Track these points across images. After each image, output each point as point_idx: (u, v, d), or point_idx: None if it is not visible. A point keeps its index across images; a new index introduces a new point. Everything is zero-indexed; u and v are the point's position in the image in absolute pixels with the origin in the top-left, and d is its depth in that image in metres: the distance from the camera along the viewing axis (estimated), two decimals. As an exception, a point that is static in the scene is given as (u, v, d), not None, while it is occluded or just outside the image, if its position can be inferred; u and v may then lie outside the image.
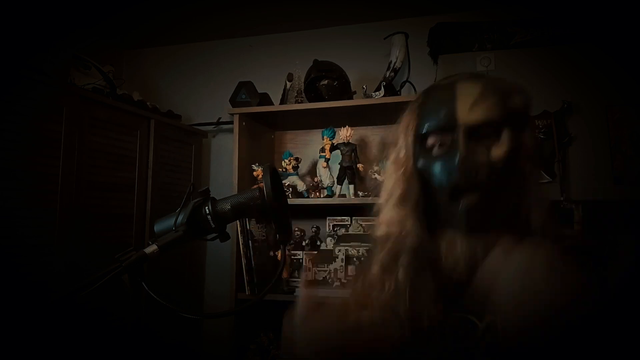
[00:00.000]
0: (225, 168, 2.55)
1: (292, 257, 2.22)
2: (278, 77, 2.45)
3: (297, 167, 2.26)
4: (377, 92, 2.13)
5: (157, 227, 0.79)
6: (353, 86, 2.28)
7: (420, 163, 0.79)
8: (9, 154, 1.56)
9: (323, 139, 2.19)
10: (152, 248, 0.74)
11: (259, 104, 2.26)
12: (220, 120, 2.65)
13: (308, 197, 2.21)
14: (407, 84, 2.24)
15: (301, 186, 2.22)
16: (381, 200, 0.83)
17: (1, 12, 2.06)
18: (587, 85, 2.20)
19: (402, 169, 0.81)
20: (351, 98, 2.22)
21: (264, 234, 2.20)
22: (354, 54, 2.48)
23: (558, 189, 2.16)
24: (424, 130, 0.78)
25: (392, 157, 0.84)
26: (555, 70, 2.24)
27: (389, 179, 0.83)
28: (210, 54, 2.78)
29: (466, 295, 0.74)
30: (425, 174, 0.78)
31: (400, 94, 2.20)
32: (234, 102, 2.29)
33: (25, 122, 1.61)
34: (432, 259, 0.77)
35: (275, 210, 0.76)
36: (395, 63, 2.18)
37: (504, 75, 2.26)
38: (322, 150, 2.18)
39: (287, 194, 2.14)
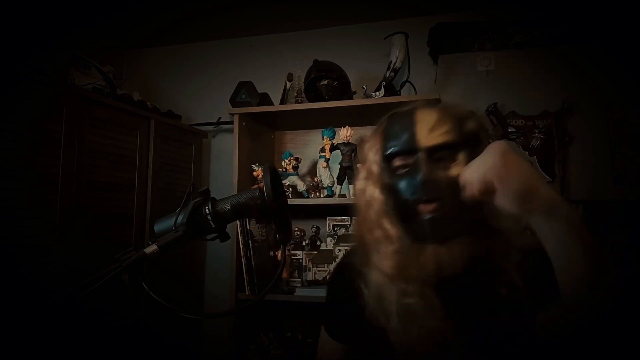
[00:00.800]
0: (225, 168, 2.55)
1: (292, 257, 2.22)
2: (278, 77, 2.45)
3: (297, 167, 2.26)
4: (377, 92, 2.13)
5: (157, 227, 0.79)
6: (353, 86, 2.28)
7: (388, 181, 0.89)
8: (9, 154, 1.56)
9: (323, 139, 2.19)
10: (152, 248, 0.74)
11: (259, 104, 2.26)
12: (220, 120, 2.65)
13: (308, 197, 2.21)
14: (407, 84, 2.24)
15: (301, 186, 2.22)
16: (358, 215, 0.94)
17: (1, 12, 2.06)
18: (587, 85, 2.20)
19: (373, 185, 0.91)
20: (351, 98, 2.22)
21: (264, 234, 2.20)
22: (354, 54, 2.48)
23: (558, 189, 2.16)
24: (389, 152, 0.88)
25: (362, 174, 0.94)
26: (555, 70, 2.25)
27: (362, 194, 0.92)
28: (210, 54, 2.78)
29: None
30: (393, 190, 0.87)
31: (400, 94, 2.20)
32: (234, 102, 2.29)
33: (25, 122, 1.61)
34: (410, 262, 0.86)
35: (275, 210, 0.76)
36: (395, 63, 2.18)
37: (501, 76, 2.25)
38: (322, 150, 2.18)
39: (287, 194, 2.14)
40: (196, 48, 2.81)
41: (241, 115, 2.21)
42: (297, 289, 2.07)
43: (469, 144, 0.86)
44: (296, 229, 2.33)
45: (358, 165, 0.97)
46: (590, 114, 2.19)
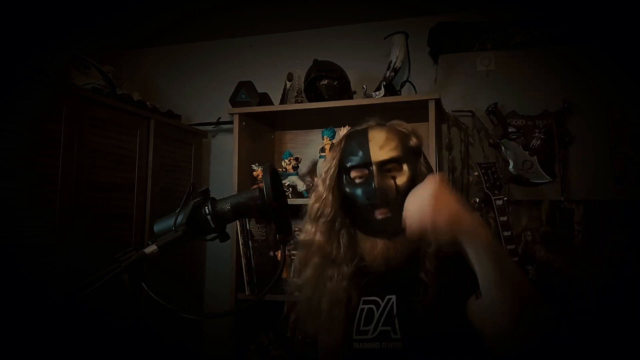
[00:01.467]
0: (225, 168, 2.55)
1: (292, 257, 2.21)
2: (278, 77, 2.45)
3: (297, 167, 2.26)
4: (377, 92, 2.12)
5: (157, 227, 0.79)
6: (353, 86, 2.28)
7: (346, 189, 1.06)
8: (9, 154, 1.56)
9: (323, 139, 2.19)
10: (152, 248, 0.74)
11: (259, 104, 2.26)
12: (220, 120, 2.65)
13: (308, 197, 2.21)
14: (407, 83, 2.24)
15: (301, 186, 2.22)
16: (309, 213, 1.12)
17: (1, 12, 2.06)
18: (587, 85, 2.20)
19: (327, 193, 1.08)
20: (351, 98, 2.22)
21: (264, 234, 2.20)
22: (354, 54, 2.48)
23: (558, 189, 2.16)
24: (348, 165, 1.06)
25: (320, 181, 1.11)
26: (555, 70, 2.24)
27: (318, 200, 1.10)
28: (210, 54, 2.78)
29: (381, 280, 1.04)
30: (351, 196, 1.05)
31: (400, 94, 2.19)
32: (234, 102, 2.29)
33: (25, 122, 1.61)
34: (345, 257, 1.07)
35: (275, 210, 0.76)
36: (395, 63, 2.18)
37: (501, 76, 2.25)
38: (322, 150, 2.18)
39: (287, 194, 2.14)
40: (196, 48, 2.81)
41: (241, 115, 2.21)
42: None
43: (411, 156, 1.06)
44: (296, 229, 2.32)
45: (315, 178, 1.13)
46: (591, 114, 2.19)
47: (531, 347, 0.79)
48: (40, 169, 1.66)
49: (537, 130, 2.22)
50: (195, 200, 0.78)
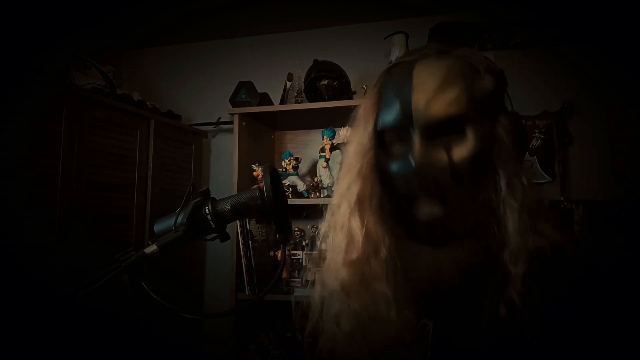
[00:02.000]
0: (225, 168, 2.55)
1: (292, 257, 2.22)
2: (278, 77, 2.45)
3: (297, 167, 2.26)
4: (377, 92, 2.12)
5: (157, 227, 0.79)
6: (353, 86, 2.28)
7: (380, 161, 0.69)
8: (9, 154, 1.56)
9: (323, 139, 2.19)
10: (152, 248, 0.73)
11: (259, 104, 2.26)
12: (220, 120, 2.64)
13: (308, 197, 2.21)
14: (407, 84, 2.24)
15: (301, 186, 2.22)
16: (335, 200, 0.73)
17: (1, 12, 2.05)
18: (587, 85, 2.20)
19: (359, 166, 0.70)
20: (351, 98, 2.22)
21: (264, 234, 2.20)
22: (354, 54, 2.48)
23: (558, 189, 2.16)
24: (380, 125, 0.69)
25: (351, 149, 0.73)
26: (555, 70, 2.24)
27: (346, 176, 0.72)
28: (210, 54, 2.77)
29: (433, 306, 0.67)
30: (385, 174, 0.68)
31: (400, 94, 2.19)
32: (234, 102, 2.29)
33: (25, 122, 1.61)
34: (396, 267, 0.67)
35: (275, 210, 0.76)
36: (395, 63, 2.18)
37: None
38: (322, 150, 2.18)
39: (287, 194, 2.14)
40: (196, 48, 2.81)
41: (241, 115, 2.21)
42: (296, 289, 2.07)
43: (482, 112, 0.64)
44: (296, 229, 2.33)
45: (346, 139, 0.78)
46: (591, 114, 2.19)
47: None
48: (40, 169, 1.66)
49: (537, 130, 2.22)
50: (195, 200, 0.78)
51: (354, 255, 0.68)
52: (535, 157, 2.21)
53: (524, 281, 0.60)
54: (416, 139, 0.63)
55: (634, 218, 2.04)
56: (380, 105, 0.70)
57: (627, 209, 2.06)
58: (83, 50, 2.22)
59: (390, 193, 0.68)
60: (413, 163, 0.62)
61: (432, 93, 0.64)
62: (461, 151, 0.63)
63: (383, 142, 0.69)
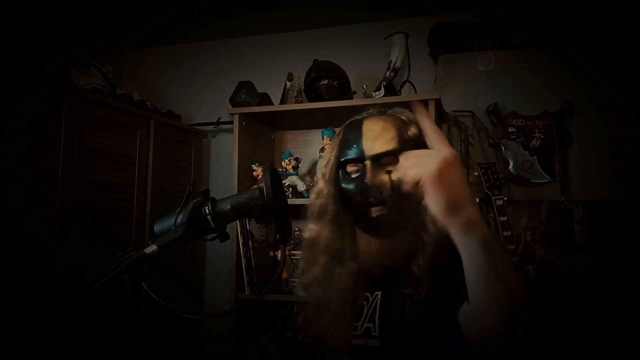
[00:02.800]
0: (225, 168, 2.54)
1: (292, 257, 2.22)
2: (278, 77, 2.45)
3: (297, 167, 2.26)
4: (377, 92, 2.13)
5: (157, 227, 0.79)
6: (353, 86, 2.28)
7: (342, 184, 1.01)
8: (9, 154, 1.56)
9: (323, 139, 2.19)
10: (152, 248, 0.74)
11: (259, 104, 2.26)
12: (220, 120, 2.65)
13: (308, 197, 2.21)
14: (407, 83, 2.24)
15: (301, 186, 2.22)
16: (311, 211, 1.08)
17: (1, 12, 2.05)
18: (587, 85, 2.20)
19: (328, 188, 1.03)
20: (351, 98, 2.22)
21: (264, 234, 2.20)
22: (354, 54, 2.48)
23: (558, 189, 2.16)
24: (343, 159, 1.01)
25: (320, 175, 1.07)
26: (555, 70, 2.24)
27: (319, 195, 1.05)
28: (210, 54, 2.77)
29: (373, 276, 1.00)
30: (346, 192, 1.00)
31: (400, 94, 2.20)
32: (234, 102, 2.29)
33: (25, 122, 1.61)
34: (350, 254, 1.02)
35: (275, 210, 0.76)
36: (395, 63, 2.18)
37: (501, 76, 2.23)
38: (322, 150, 2.18)
39: (287, 194, 2.14)
40: (196, 48, 2.81)
41: (241, 115, 2.21)
42: (296, 289, 2.07)
43: (410, 148, 0.85)
44: (296, 229, 2.32)
45: (317, 171, 1.12)
46: (591, 114, 2.19)
47: (521, 352, 0.71)
48: (40, 169, 1.66)
49: (537, 130, 2.22)
50: (195, 200, 0.78)
51: (328, 248, 1.03)
52: (536, 157, 2.21)
53: (431, 255, 0.92)
54: (368, 166, 0.97)
55: (634, 218, 2.04)
56: (341, 148, 1.04)
57: (627, 209, 2.06)
58: (83, 50, 2.22)
59: (349, 202, 1.00)
60: (366, 181, 0.95)
61: (376, 136, 0.98)
62: (397, 173, 0.92)
63: (345, 170, 1.02)
